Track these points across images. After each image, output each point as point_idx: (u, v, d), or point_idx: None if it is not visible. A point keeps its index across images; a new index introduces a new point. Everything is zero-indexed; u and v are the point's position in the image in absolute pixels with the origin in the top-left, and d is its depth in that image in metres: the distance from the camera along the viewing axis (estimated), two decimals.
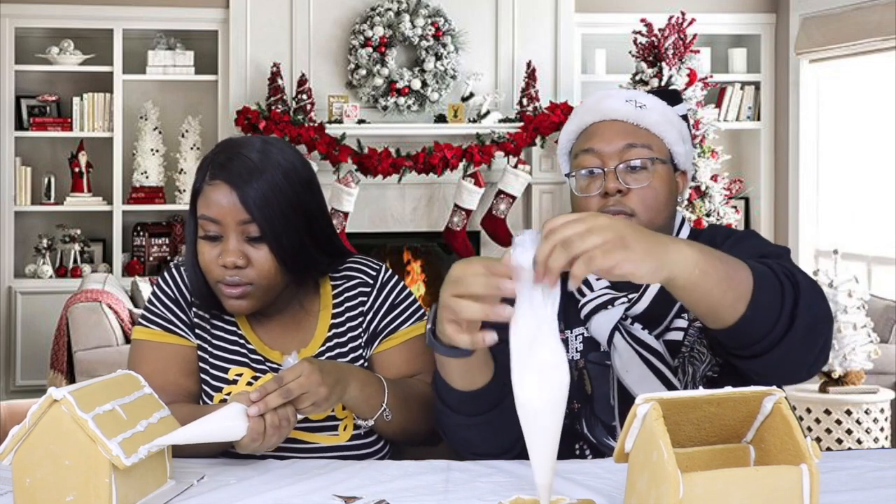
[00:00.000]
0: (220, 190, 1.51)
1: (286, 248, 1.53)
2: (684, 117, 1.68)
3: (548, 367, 1.11)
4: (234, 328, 1.64)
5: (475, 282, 1.19)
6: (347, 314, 1.65)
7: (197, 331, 1.63)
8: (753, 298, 1.26)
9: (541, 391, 1.12)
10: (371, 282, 1.67)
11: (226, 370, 1.61)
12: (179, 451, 1.40)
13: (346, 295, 1.66)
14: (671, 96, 1.69)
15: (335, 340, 1.64)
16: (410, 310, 1.67)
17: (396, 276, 1.70)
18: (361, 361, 1.64)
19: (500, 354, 1.43)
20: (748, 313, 1.26)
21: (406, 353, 1.64)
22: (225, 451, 1.52)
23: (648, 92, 1.68)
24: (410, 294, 1.69)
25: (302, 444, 1.57)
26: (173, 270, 1.66)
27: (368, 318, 1.66)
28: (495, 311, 1.17)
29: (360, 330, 1.65)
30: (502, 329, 1.18)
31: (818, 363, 1.39)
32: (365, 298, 1.66)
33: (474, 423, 1.44)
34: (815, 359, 1.37)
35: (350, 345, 1.64)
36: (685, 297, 1.23)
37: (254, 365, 1.62)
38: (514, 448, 1.47)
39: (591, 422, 1.56)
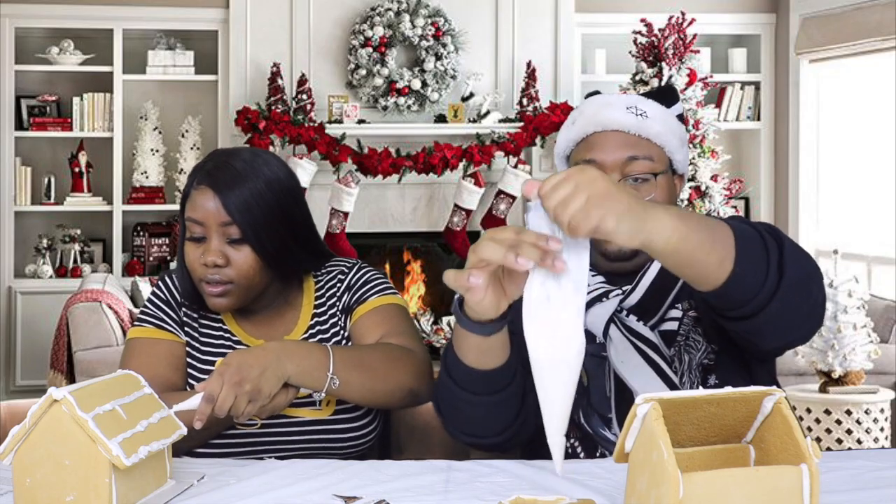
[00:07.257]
0: (205, 194, 1.62)
1: (268, 249, 1.63)
2: (680, 116, 1.70)
3: (563, 325, 1.15)
4: (220, 323, 1.74)
5: (505, 236, 1.20)
6: (329, 301, 1.76)
7: (186, 328, 1.73)
8: (738, 254, 1.26)
9: (554, 348, 1.15)
10: (346, 270, 1.79)
11: (212, 362, 1.69)
12: (179, 450, 1.40)
13: (327, 286, 1.77)
14: (668, 95, 1.71)
15: (317, 328, 1.74)
16: (381, 285, 1.77)
17: (371, 266, 1.82)
18: (341, 338, 1.73)
19: (518, 338, 1.44)
20: (736, 269, 1.26)
21: (376, 317, 1.72)
22: (225, 451, 1.55)
23: (646, 94, 1.69)
24: (382, 275, 1.81)
25: (284, 417, 1.63)
26: (166, 278, 1.78)
27: (345, 297, 1.75)
28: (517, 260, 1.16)
29: (337, 309, 1.75)
30: (517, 319, 1.20)
31: (815, 317, 1.39)
32: (341, 284, 1.77)
33: (478, 401, 1.45)
34: (810, 310, 1.38)
35: (332, 330, 1.73)
36: (667, 261, 1.25)
37: None
38: (508, 430, 1.49)
39: (588, 413, 1.58)
